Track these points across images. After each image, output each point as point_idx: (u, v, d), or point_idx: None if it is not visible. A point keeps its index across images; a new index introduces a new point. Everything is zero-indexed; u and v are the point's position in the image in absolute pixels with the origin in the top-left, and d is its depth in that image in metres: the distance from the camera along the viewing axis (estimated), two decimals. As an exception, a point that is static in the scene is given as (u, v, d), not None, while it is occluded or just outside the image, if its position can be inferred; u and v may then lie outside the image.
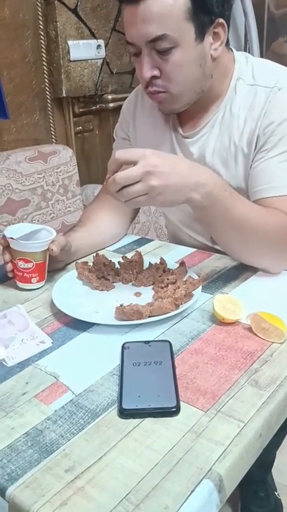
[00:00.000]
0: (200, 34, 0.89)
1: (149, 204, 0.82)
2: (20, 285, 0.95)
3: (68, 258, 1.03)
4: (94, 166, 2.35)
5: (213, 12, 0.88)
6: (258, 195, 0.95)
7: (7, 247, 0.94)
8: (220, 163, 1.01)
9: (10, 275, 0.96)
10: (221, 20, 0.90)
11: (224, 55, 0.97)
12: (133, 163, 0.78)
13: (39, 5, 1.94)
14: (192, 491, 0.51)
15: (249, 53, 1.07)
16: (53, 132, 2.13)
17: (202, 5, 0.87)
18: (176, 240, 1.26)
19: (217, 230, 0.92)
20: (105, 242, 1.15)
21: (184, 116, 1.06)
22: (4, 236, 0.94)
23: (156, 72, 0.92)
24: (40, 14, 1.96)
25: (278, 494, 1.37)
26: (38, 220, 1.84)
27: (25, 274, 0.94)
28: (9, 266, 0.95)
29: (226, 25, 0.91)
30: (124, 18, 0.90)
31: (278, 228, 0.90)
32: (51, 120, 2.11)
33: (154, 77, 0.92)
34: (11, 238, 0.92)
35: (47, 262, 0.96)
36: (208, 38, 0.91)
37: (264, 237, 0.90)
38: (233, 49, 1.01)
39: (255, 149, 0.97)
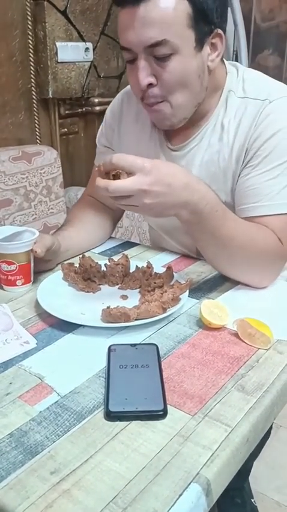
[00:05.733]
0: (200, 43, 0.87)
1: (137, 212, 0.80)
2: (6, 288, 0.94)
3: (58, 258, 1.02)
4: (78, 169, 2.33)
5: (213, 22, 0.87)
6: (246, 213, 0.93)
7: None
8: (207, 177, 0.97)
9: None
10: (219, 31, 0.88)
11: (218, 67, 0.95)
12: (130, 172, 0.76)
13: (28, 5, 1.93)
14: (180, 495, 0.51)
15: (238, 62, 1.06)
16: (37, 133, 2.11)
17: (203, 13, 0.85)
18: (160, 248, 1.23)
19: (203, 245, 0.91)
20: (94, 242, 1.14)
21: (172, 130, 1.02)
22: None
23: (153, 80, 0.88)
24: (29, 14, 1.94)
25: (254, 501, 1.38)
26: (20, 221, 1.82)
27: (9, 277, 0.92)
28: None
29: (223, 37, 0.89)
30: (120, 22, 0.86)
31: (266, 247, 0.90)
32: (36, 121, 2.09)
33: (150, 85, 0.88)
34: None
35: (32, 264, 0.95)
36: (206, 48, 0.89)
37: (251, 255, 0.90)
38: (224, 60, 0.99)
39: (243, 163, 0.95)
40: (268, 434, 1.31)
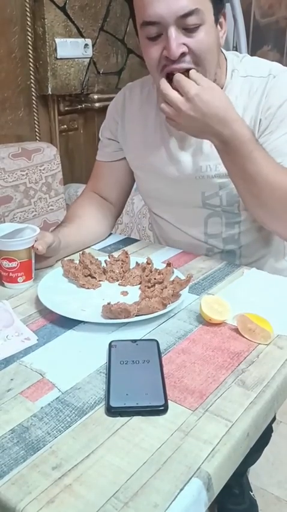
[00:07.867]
0: (216, 18, 0.91)
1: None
2: (7, 285, 0.94)
3: (58, 255, 1.02)
4: (78, 166, 2.33)
5: (222, 1, 0.92)
6: None
7: None
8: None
9: None
10: (224, 11, 0.93)
11: (219, 54, 0.99)
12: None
13: (27, 1, 1.92)
14: (181, 490, 0.51)
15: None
16: (37, 130, 2.11)
17: None
18: (166, 240, 1.23)
19: (234, 178, 0.96)
20: (93, 239, 1.15)
21: None
22: None
23: (185, 49, 0.89)
24: (28, 10, 1.94)
25: (253, 495, 1.38)
26: (20, 218, 1.82)
27: (10, 274, 0.93)
28: None
29: (226, 17, 0.95)
30: None
31: None
32: (35, 117, 2.09)
33: (182, 55, 0.89)
34: None
35: (33, 261, 0.95)
36: (218, 25, 0.93)
37: (282, 198, 0.91)
38: (223, 50, 1.03)
39: (258, 133, 0.99)
40: (267, 440, 1.32)
